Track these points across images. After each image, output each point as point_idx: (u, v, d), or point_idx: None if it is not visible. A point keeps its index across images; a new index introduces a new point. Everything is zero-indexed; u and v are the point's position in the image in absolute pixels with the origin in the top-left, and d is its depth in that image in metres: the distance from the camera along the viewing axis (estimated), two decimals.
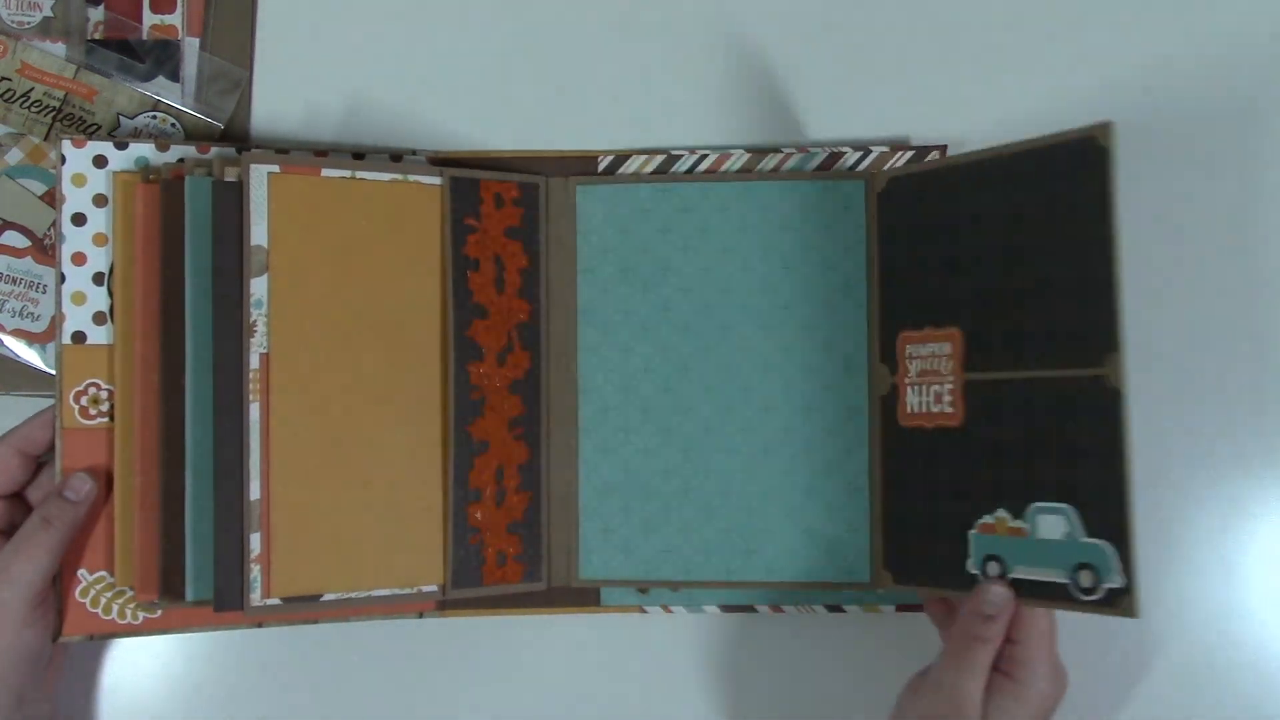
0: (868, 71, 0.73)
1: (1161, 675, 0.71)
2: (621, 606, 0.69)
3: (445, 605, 0.68)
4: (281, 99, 0.72)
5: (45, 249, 0.69)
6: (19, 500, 0.66)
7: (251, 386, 0.62)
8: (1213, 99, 0.73)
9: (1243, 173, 0.72)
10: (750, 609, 0.69)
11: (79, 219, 0.66)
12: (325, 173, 0.65)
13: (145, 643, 0.70)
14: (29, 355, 0.69)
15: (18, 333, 0.69)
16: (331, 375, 0.64)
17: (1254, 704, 0.70)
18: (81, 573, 0.65)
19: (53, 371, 0.68)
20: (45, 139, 0.69)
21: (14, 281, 0.69)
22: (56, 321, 0.65)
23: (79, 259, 0.66)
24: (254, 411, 0.62)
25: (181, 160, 0.66)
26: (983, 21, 0.73)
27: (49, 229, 0.69)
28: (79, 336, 0.66)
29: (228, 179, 0.63)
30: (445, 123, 0.72)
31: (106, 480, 0.65)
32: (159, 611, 0.66)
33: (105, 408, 0.65)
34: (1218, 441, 0.71)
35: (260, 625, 0.67)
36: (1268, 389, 0.71)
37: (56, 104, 0.70)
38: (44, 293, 0.69)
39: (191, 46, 0.71)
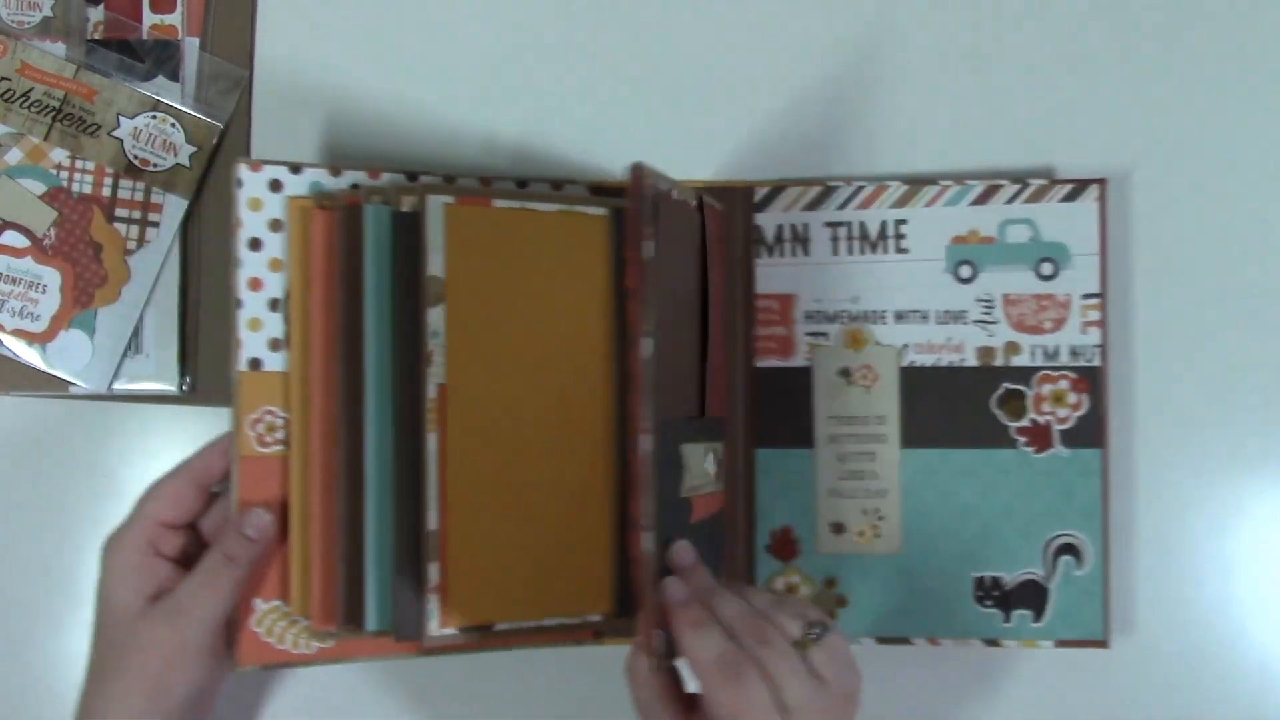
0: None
1: (1160, 675, 0.70)
2: None
3: (604, 634, 0.67)
4: (281, 99, 0.72)
5: (45, 249, 0.70)
6: (192, 530, 0.65)
7: (429, 416, 0.61)
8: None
9: (1242, 176, 0.71)
10: None
11: (255, 244, 0.64)
12: (496, 203, 0.64)
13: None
14: (29, 355, 0.69)
15: (18, 333, 0.69)
16: (503, 405, 0.64)
17: (1254, 704, 0.70)
18: (256, 602, 0.64)
19: (53, 371, 0.69)
20: (45, 139, 0.70)
21: (14, 281, 0.69)
22: (233, 348, 0.64)
23: (255, 284, 0.64)
24: (432, 442, 0.61)
25: (355, 186, 0.65)
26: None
27: (49, 229, 0.70)
28: (255, 363, 0.64)
29: (404, 208, 0.62)
30: (459, 129, 0.72)
31: (281, 509, 0.64)
32: (331, 641, 0.64)
33: (281, 435, 0.64)
34: (1217, 441, 0.70)
35: (429, 654, 0.64)
36: (1267, 389, 0.70)
37: (56, 104, 0.70)
38: (43, 293, 0.69)
39: (191, 46, 0.71)
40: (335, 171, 0.66)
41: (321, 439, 0.63)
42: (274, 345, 0.65)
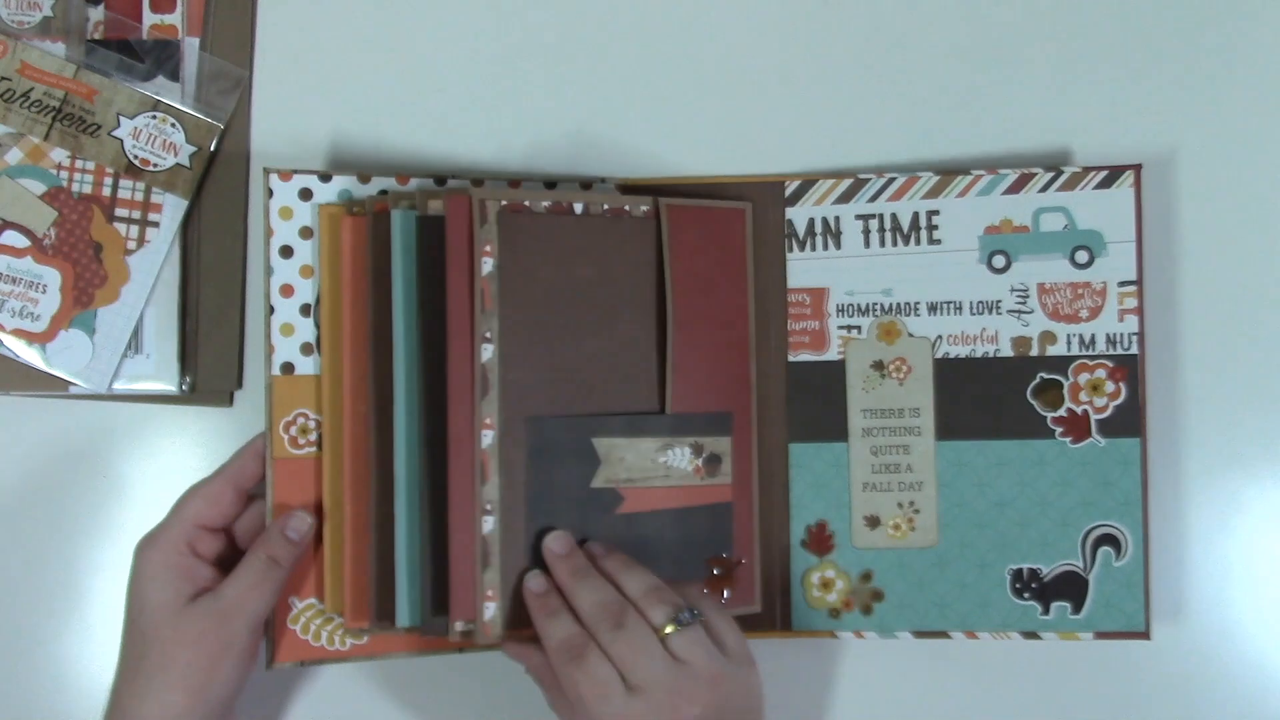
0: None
1: (1161, 675, 0.70)
2: (812, 631, 0.68)
3: None
4: (281, 99, 0.72)
5: (45, 249, 0.68)
6: (226, 533, 0.66)
7: None
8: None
9: (1256, 180, 0.72)
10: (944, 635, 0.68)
11: (286, 251, 0.66)
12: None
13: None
14: (29, 355, 0.68)
15: (18, 332, 0.68)
16: None
17: (1254, 703, 0.70)
18: (293, 600, 0.65)
19: (53, 371, 0.68)
20: (45, 139, 0.69)
21: (14, 281, 0.68)
22: (266, 354, 0.66)
23: (287, 291, 0.66)
24: None
25: (384, 192, 0.67)
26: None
27: (49, 228, 0.69)
28: (287, 367, 0.66)
29: (431, 212, 0.63)
30: (464, 130, 0.72)
31: (315, 509, 0.65)
32: (365, 638, 0.66)
33: (313, 437, 0.66)
34: (1216, 440, 0.71)
35: (461, 651, 0.67)
36: (1267, 389, 0.71)
37: (56, 104, 0.69)
38: (43, 293, 0.68)
39: (191, 46, 0.71)
40: (364, 179, 0.67)
41: (352, 440, 0.65)
42: (306, 349, 0.66)
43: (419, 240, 0.63)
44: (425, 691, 0.71)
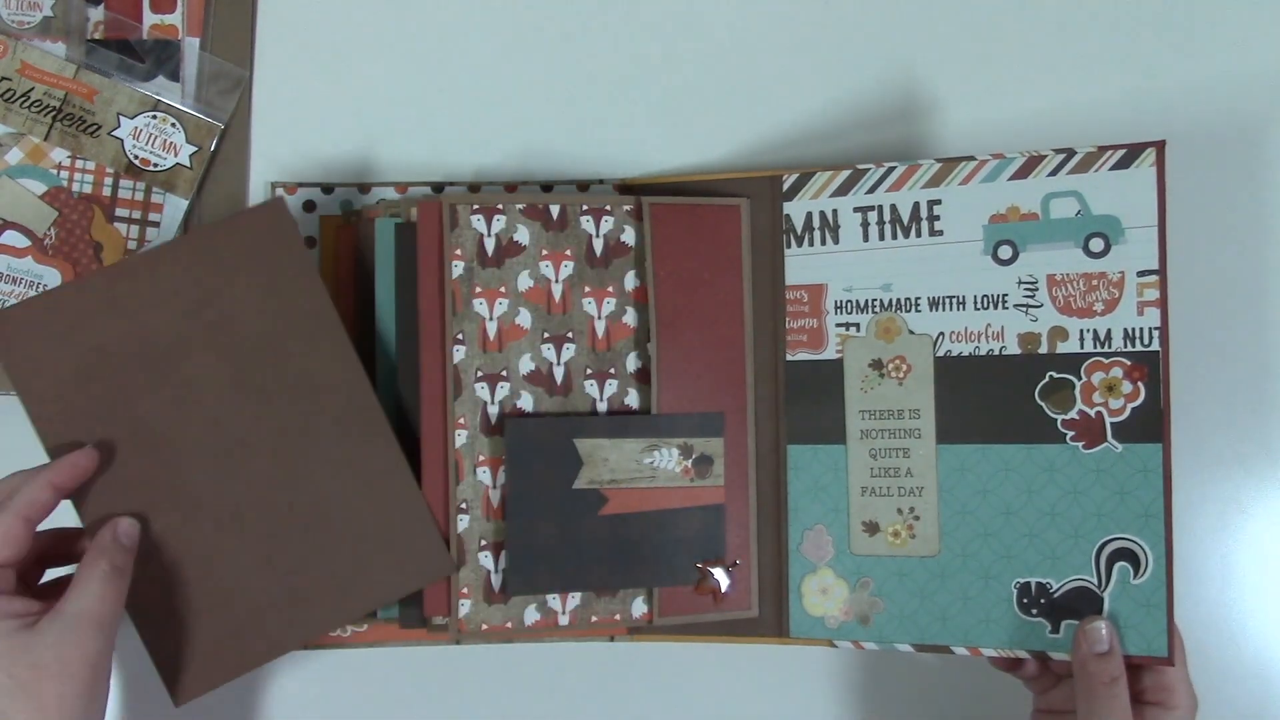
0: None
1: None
2: (810, 640, 0.66)
3: (639, 631, 0.67)
4: (281, 99, 0.72)
5: (45, 249, 0.69)
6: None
7: None
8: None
9: (1247, 176, 0.70)
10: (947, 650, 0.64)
11: None
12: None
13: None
14: None
15: None
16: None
17: (1254, 703, 0.69)
18: None
19: None
20: (45, 139, 0.69)
21: (14, 281, 0.69)
22: None
23: None
24: None
25: (380, 201, 0.69)
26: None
27: (49, 228, 0.69)
28: None
29: (413, 219, 0.65)
30: (461, 132, 0.72)
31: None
32: (366, 626, 0.67)
33: None
34: (1216, 440, 0.69)
35: (458, 643, 0.67)
36: (1267, 389, 0.69)
37: (56, 104, 0.69)
38: None
39: (191, 46, 0.71)
40: (364, 189, 0.69)
41: None
42: None
43: (398, 246, 0.64)
44: (423, 680, 0.71)
